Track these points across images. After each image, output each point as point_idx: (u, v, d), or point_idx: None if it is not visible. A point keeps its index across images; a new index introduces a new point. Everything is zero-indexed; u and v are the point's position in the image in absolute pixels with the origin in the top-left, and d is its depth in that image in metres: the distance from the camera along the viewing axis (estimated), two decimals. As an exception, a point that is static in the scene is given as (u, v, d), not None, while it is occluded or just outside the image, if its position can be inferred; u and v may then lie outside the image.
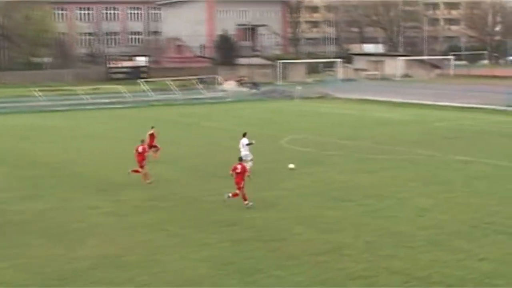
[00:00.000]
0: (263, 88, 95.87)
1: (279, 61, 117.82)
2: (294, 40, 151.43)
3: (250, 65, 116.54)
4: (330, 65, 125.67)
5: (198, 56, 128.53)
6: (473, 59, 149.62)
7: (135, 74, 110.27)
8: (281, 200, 29.87)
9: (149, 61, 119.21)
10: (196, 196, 31.04)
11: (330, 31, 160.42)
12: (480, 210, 27.56)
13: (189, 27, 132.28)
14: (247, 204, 28.58)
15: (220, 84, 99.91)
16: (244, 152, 35.26)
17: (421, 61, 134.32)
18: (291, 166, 36.75)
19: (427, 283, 19.76)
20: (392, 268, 20.91)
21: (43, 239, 24.62)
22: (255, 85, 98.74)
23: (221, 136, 48.65)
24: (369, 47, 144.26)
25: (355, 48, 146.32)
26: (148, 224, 26.29)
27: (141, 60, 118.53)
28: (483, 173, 35.25)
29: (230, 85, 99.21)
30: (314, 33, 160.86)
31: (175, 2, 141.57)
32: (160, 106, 77.34)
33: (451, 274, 20.29)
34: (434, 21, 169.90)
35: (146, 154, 34.18)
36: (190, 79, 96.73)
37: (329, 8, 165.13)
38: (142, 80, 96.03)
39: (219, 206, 28.94)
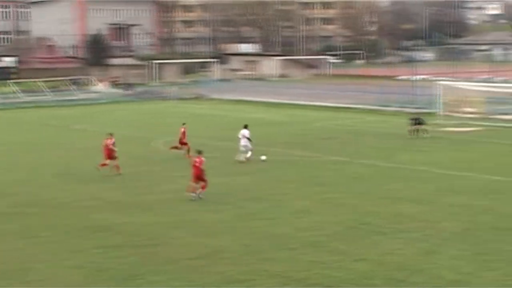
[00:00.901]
0: (137, 89, 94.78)
1: (153, 61, 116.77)
2: (168, 40, 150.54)
3: (123, 66, 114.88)
4: (205, 66, 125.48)
5: (70, 57, 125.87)
6: (349, 58, 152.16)
7: (3, 75, 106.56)
8: (157, 204, 29.43)
9: (18, 62, 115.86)
10: (67, 201, 30.24)
11: (206, 30, 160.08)
12: (357, 211, 27.83)
13: (59, 26, 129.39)
14: (193, 196, 29.38)
15: (93, 85, 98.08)
16: (244, 142, 38.25)
17: (297, 61, 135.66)
18: (263, 157, 38.10)
19: (305, 284, 19.82)
20: (271, 270, 20.85)
21: None
22: (128, 86, 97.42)
23: (93, 139, 47.40)
24: (245, 47, 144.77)
25: (231, 48, 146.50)
26: (18, 232, 25.46)
27: (9, 61, 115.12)
28: (359, 174, 35.68)
29: (103, 86, 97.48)
30: (189, 33, 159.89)
31: (44, 1, 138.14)
32: (30, 108, 75.18)
33: (329, 275, 20.39)
34: (310, 21, 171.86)
35: (111, 147, 35.26)
36: (61, 80, 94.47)
37: (204, 7, 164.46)
38: (11, 81, 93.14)
39: (92, 211, 28.38)
